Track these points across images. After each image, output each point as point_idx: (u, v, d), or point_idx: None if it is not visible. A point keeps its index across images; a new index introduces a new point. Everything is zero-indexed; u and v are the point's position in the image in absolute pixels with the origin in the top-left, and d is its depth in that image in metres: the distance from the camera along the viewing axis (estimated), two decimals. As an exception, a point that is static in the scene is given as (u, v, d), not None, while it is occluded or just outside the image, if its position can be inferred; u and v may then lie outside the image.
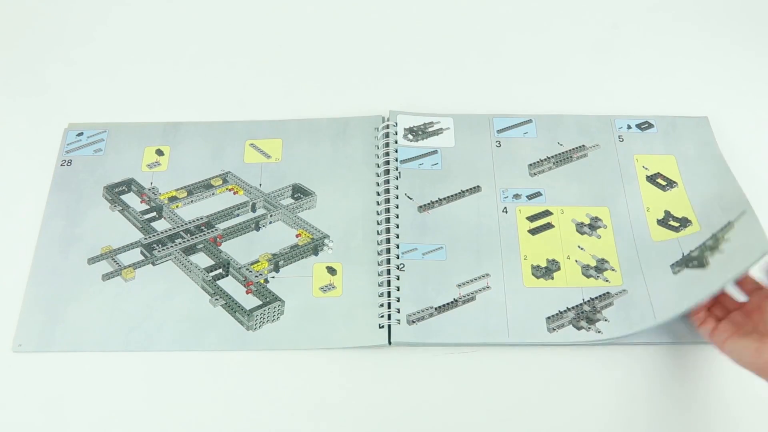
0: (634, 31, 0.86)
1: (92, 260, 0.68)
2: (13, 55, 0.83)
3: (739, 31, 0.86)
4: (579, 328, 0.64)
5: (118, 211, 0.71)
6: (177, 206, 0.72)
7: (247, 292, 0.67)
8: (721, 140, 0.75)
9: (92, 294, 0.66)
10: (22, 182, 0.73)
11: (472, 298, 0.65)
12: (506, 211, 0.70)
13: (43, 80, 0.81)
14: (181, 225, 0.70)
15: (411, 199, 0.71)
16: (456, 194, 0.71)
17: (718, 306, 0.62)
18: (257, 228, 0.70)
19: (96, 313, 0.65)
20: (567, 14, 0.87)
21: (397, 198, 0.71)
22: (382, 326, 0.64)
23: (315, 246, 0.69)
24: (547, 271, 0.67)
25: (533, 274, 0.67)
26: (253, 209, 0.71)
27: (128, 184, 0.72)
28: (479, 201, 0.71)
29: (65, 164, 0.74)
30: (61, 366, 0.63)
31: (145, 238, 0.69)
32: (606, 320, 0.64)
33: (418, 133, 0.75)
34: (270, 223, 0.71)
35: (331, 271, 0.68)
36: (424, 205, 0.70)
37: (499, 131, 0.75)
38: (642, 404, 0.62)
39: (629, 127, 0.76)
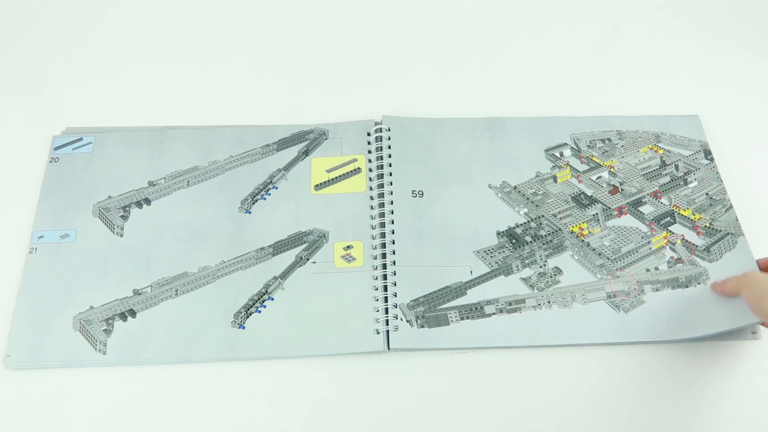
0: (631, 32, 0.86)
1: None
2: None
3: (736, 31, 0.86)
4: None
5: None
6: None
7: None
8: (712, 138, 0.76)
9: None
10: (11, 192, 0.72)
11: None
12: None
13: (32, 87, 0.80)
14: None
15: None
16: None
17: None
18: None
19: None
20: (560, 17, 0.87)
21: (392, 204, 0.71)
22: (379, 331, 0.64)
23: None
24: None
25: None
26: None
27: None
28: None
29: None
30: (50, 379, 0.63)
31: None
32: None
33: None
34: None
35: None
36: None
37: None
38: (641, 402, 0.62)
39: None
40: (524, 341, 0.64)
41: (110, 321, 0.65)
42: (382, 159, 0.73)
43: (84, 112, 0.78)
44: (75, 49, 0.83)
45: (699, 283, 0.67)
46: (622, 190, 0.73)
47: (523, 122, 0.76)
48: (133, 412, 0.61)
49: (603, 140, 0.76)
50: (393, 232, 0.69)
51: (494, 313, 0.65)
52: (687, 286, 0.67)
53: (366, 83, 0.81)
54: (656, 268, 0.68)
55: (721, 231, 0.70)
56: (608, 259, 0.68)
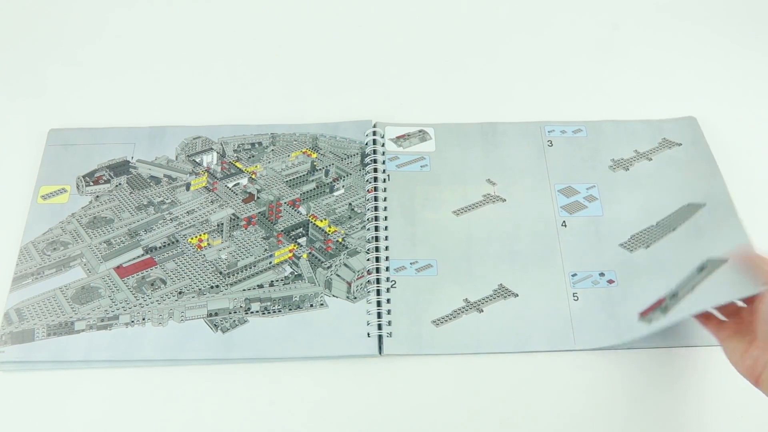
0: (627, 34, 0.84)
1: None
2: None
3: (736, 30, 0.84)
4: None
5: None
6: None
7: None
8: (710, 139, 0.73)
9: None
10: (5, 187, 0.71)
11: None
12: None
13: (25, 85, 0.79)
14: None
15: None
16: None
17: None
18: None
19: None
20: (556, 20, 0.85)
21: (386, 209, 0.67)
22: (371, 335, 0.61)
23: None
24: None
25: None
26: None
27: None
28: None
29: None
30: (42, 380, 0.61)
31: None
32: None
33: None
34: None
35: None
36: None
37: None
38: (638, 407, 0.60)
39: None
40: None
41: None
42: (376, 162, 0.70)
43: (79, 112, 0.76)
44: (72, 49, 0.82)
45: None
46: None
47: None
48: (124, 414, 0.59)
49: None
50: (386, 238, 0.66)
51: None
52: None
53: (363, 85, 0.78)
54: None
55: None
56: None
